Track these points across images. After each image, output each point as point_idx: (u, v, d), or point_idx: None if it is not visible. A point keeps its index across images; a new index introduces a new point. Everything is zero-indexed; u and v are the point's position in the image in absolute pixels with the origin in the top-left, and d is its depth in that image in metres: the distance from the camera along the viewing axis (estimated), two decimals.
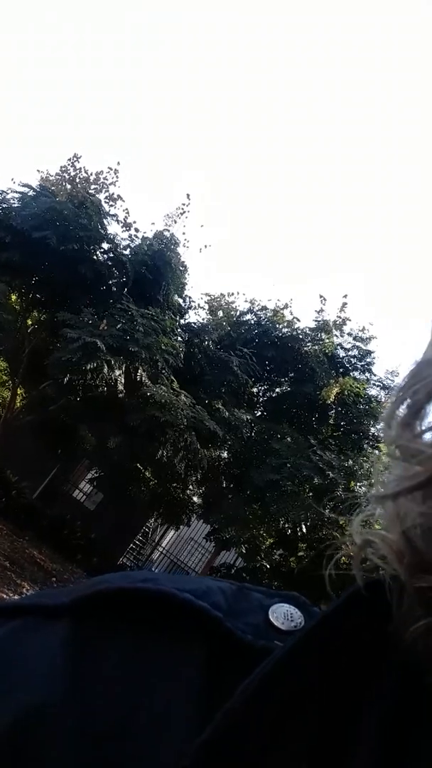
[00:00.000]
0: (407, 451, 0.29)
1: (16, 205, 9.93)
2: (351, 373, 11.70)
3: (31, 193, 10.13)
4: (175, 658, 0.30)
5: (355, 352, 12.17)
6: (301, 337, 12.13)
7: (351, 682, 0.27)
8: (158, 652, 0.30)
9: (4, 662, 0.30)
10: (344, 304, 12.49)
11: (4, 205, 9.99)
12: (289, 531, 9.58)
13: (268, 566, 10.45)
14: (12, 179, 17.75)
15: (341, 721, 0.27)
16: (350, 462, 9.45)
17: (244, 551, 10.80)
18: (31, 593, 0.42)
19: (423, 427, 0.29)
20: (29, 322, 10.64)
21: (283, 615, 0.32)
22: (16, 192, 10.24)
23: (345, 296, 13.68)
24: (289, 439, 10.26)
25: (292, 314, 12.60)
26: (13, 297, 10.27)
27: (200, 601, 0.31)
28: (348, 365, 11.96)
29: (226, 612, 0.31)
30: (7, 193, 10.54)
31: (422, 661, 0.26)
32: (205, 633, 0.31)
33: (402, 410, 0.30)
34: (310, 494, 8.92)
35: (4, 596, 7.13)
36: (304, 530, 9.19)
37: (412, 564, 0.28)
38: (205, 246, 17.82)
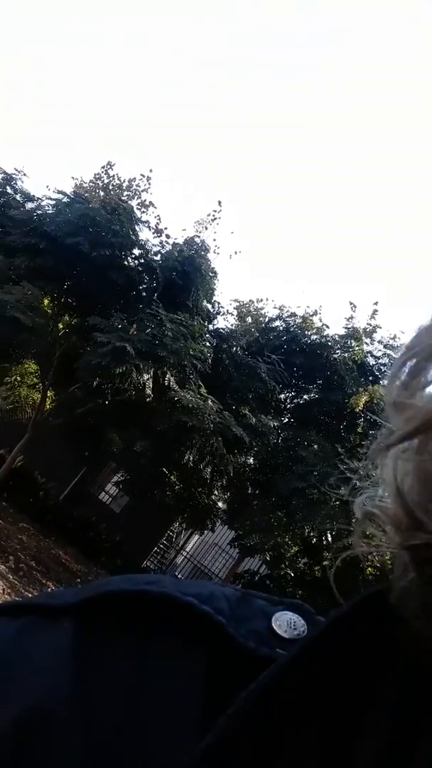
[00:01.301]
0: (401, 407, 0.29)
1: (50, 212, 10.14)
2: (381, 382, 11.55)
3: (65, 200, 10.33)
4: (177, 661, 0.30)
5: (385, 360, 12.00)
6: (330, 344, 12.02)
7: (354, 691, 0.27)
8: (161, 656, 0.30)
9: (7, 662, 0.30)
10: (375, 312, 12.36)
11: (38, 212, 10.21)
12: (315, 539, 9.48)
13: (292, 574, 10.35)
14: (47, 186, 18.25)
15: (345, 729, 0.26)
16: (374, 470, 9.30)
17: (268, 558, 10.73)
18: (36, 594, 0.43)
19: (420, 387, 0.29)
20: (60, 326, 10.82)
21: (287, 623, 0.32)
22: (51, 199, 10.46)
23: (376, 303, 13.57)
24: (316, 446, 10.17)
25: (321, 321, 12.52)
26: (46, 301, 10.46)
27: (204, 605, 0.31)
28: (378, 373, 11.80)
29: (229, 618, 0.31)
30: (42, 200, 10.79)
31: (426, 660, 0.26)
32: (207, 638, 0.30)
33: (403, 372, 0.30)
34: (337, 503, 8.81)
35: (30, 595, 7.23)
36: (330, 539, 9.08)
37: (408, 525, 0.28)
38: (236, 252, 17.92)
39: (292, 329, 12.44)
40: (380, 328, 12.26)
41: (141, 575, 0.35)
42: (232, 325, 12.66)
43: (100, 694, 0.29)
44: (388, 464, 0.30)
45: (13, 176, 11.51)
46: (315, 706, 0.27)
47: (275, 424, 10.67)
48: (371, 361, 12.03)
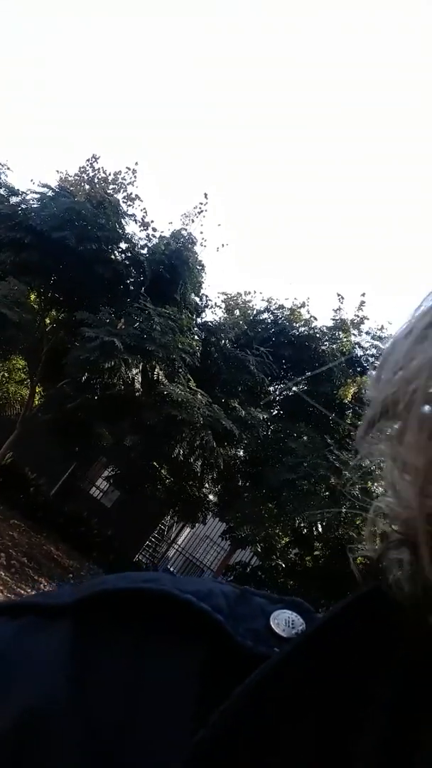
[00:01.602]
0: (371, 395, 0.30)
1: (35, 206, 10.04)
2: (369, 373, 11.61)
3: (50, 193, 10.23)
4: (175, 660, 0.30)
5: (373, 351, 12.08)
6: (318, 336, 12.07)
7: (351, 688, 0.27)
8: (158, 654, 0.30)
9: (6, 662, 0.30)
10: (362, 303, 12.41)
11: (23, 206, 10.10)
12: (305, 530, 9.56)
13: (283, 565, 10.44)
14: (31, 180, 18.04)
15: (341, 725, 0.26)
16: (368, 462, 9.38)
17: (259, 550, 10.80)
18: (33, 593, 0.43)
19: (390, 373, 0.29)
20: (47, 321, 10.75)
21: (285, 621, 0.32)
22: (36, 193, 10.36)
23: (363, 295, 13.60)
24: (305, 438, 10.22)
25: (309, 313, 12.55)
26: (32, 296, 10.38)
27: (202, 603, 0.31)
28: (366, 364, 11.88)
29: (227, 616, 0.31)
30: (27, 194, 10.67)
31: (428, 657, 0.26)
32: (205, 636, 0.30)
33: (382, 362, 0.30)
34: (327, 494, 8.88)
35: (22, 592, 7.23)
36: (320, 530, 9.16)
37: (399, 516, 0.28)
38: (223, 245, 17.87)
39: (280, 321, 12.46)
40: (368, 319, 12.32)
41: (138, 573, 0.35)
42: (220, 318, 12.65)
43: (99, 694, 0.29)
44: (385, 455, 0.30)
45: None
46: (310, 703, 0.27)
47: (264, 416, 10.71)
48: (359, 352, 12.10)
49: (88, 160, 13.55)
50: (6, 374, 13.00)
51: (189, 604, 0.31)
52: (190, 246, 10.46)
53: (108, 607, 0.32)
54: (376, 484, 0.33)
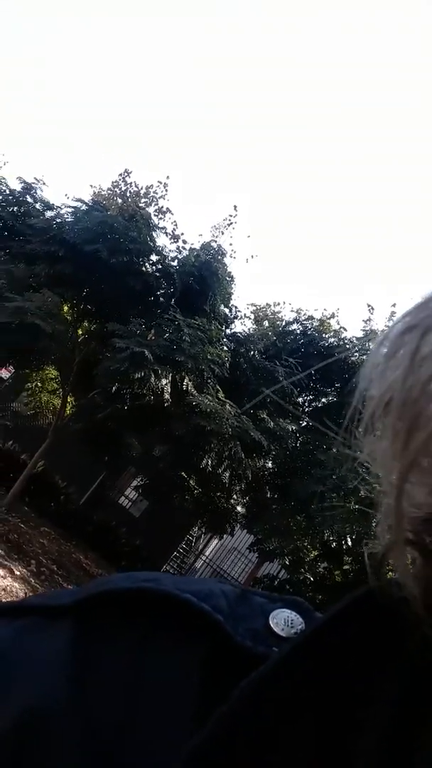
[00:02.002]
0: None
1: (69, 220, 10.28)
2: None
3: (83, 207, 10.45)
4: (175, 659, 0.30)
5: None
6: (347, 346, 11.96)
7: (351, 687, 0.27)
8: (158, 654, 0.30)
9: (7, 663, 0.30)
10: (393, 313, 12.24)
11: (58, 220, 10.35)
12: (334, 543, 9.42)
13: (312, 579, 10.29)
14: (66, 195, 18.47)
15: (341, 725, 0.26)
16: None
17: (287, 563, 10.68)
18: (35, 594, 0.44)
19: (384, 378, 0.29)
20: (80, 332, 10.94)
21: (284, 621, 0.32)
22: (70, 207, 10.60)
23: (393, 305, 13.44)
24: (334, 450, 10.10)
25: (338, 324, 12.47)
26: (65, 308, 10.59)
27: (202, 603, 0.31)
28: None
29: (227, 615, 0.31)
30: (61, 209, 10.94)
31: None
32: (205, 635, 0.30)
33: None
34: (356, 507, 8.74)
35: None
36: (350, 543, 9.01)
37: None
38: (252, 256, 17.96)
39: (309, 332, 12.40)
40: None
41: (140, 573, 0.35)
42: (249, 329, 12.67)
43: (99, 694, 0.29)
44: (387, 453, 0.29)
45: (33, 185, 11.69)
46: (309, 703, 0.26)
47: (293, 427, 10.63)
48: None
49: (120, 175, 13.86)
50: (39, 384, 13.27)
51: (189, 604, 0.31)
52: (219, 258, 10.53)
53: (109, 607, 0.32)
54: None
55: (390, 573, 0.29)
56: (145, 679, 0.29)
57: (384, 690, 0.27)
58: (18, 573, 7.42)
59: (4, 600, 6.31)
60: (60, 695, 0.28)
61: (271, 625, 0.31)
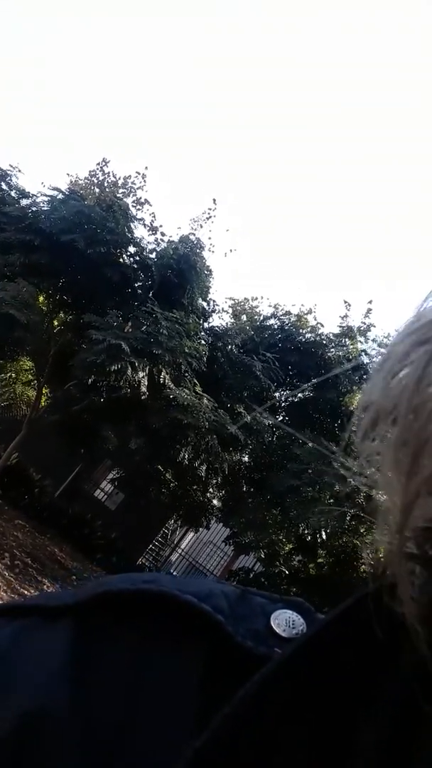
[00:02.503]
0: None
1: (45, 209, 10.11)
2: (369, 375, 11.57)
3: (60, 196, 10.30)
4: (175, 661, 0.30)
5: (379, 359, 12.04)
6: (324, 342, 12.06)
7: (352, 689, 0.27)
8: (159, 655, 0.30)
9: (7, 663, 0.30)
10: (369, 310, 12.39)
11: (33, 209, 10.18)
12: (309, 537, 9.52)
13: (286, 572, 10.40)
14: (42, 183, 18.20)
15: (341, 730, 0.26)
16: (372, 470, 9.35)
17: (263, 556, 10.77)
18: (34, 594, 0.43)
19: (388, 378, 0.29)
20: (55, 323, 10.81)
21: (285, 621, 0.32)
22: (46, 195, 10.43)
23: (370, 302, 13.64)
24: (310, 444, 10.21)
25: (315, 319, 12.55)
26: (41, 298, 10.44)
27: (203, 603, 0.31)
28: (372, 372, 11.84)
29: (228, 616, 0.31)
30: (37, 197, 10.76)
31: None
32: (206, 637, 0.30)
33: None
34: (331, 501, 8.85)
35: (26, 592, 7.24)
36: (324, 537, 9.12)
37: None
38: (231, 250, 17.94)
39: (286, 327, 12.46)
40: (375, 326, 12.31)
41: (139, 574, 0.35)
42: (227, 323, 12.66)
43: (99, 695, 0.29)
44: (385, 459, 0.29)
45: (8, 173, 11.45)
46: (312, 705, 0.27)
47: (270, 422, 10.70)
48: (366, 359, 12.07)
49: (98, 164, 13.63)
50: (13, 375, 13.06)
51: (189, 604, 0.31)
52: (198, 251, 10.49)
53: (109, 608, 0.32)
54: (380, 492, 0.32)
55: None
56: (145, 680, 0.29)
57: (385, 691, 0.27)
58: None
59: None
60: (60, 696, 0.28)
61: (273, 626, 0.31)
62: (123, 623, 0.31)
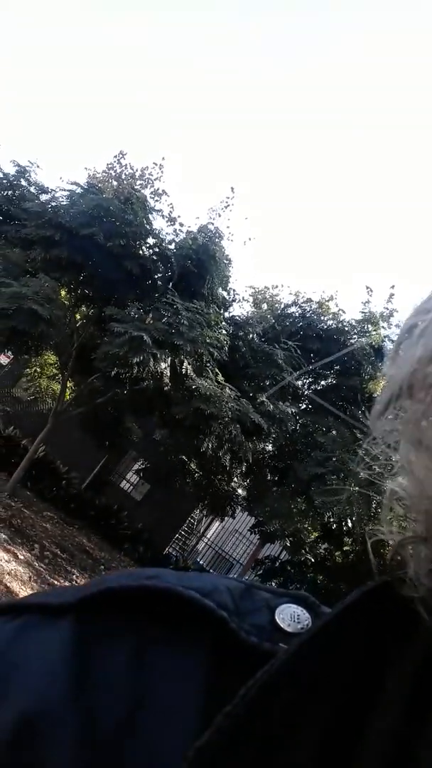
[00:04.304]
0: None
1: (64, 203, 10.16)
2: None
3: (78, 190, 10.33)
4: (179, 657, 0.30)
5: None
6: (346, 329, 11.93)
7: (359, 686, 0.27)
8: (162, 652, 0.30)
9: (7, 662, 0.30)
10: (391, 296, 12.22)
11: (53, 204, 10.24)
12: (335, 525, 9.50)
13: (312, 560, 10.40)
14: (60, 178, 18.30)
15: (348, 725, 0.26)
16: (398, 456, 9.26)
17: (288, 544, 10.79)
18: (35, 592, 0.43)
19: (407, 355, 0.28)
20: (78, 316, 10.90)
21: (290, 616, 0.31)
22: (65, 190, 10.48)
23: (392, 287, 13.42)
24: (334, 432, 10.14)
25: (337, 306, 12.42)
26: (63, 293, 10.54)
27: (206, 599, 0.31)
28: None
29: (232, 611, 0.31)
30: (56, 192, 10.82)
31: None
32: (209, 633, 0.30)
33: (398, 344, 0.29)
34: (356, 489, 8.80)
35: (56, 582, 7.39)
36: (350, 525, 9.09)
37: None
38: (250, 239, 17.82)
39: (308, 315, 12.36)
40: (397, 312, 12.12)
41: (141, 570, 0.34)
42: (247, 312, 12.62)
43: (100, 694, 0.28)
44: (403, 437, 0.28)
45: (27, 168, 11.54)
46: (317, 702, 0.26)
47: (293, 410, 10.65)
48: (389, 345, 11.90)
49: (115, 156, 13.67)
50: (38, 369, 13.26)
51: (193, 600, 0.31)
52: (217, 240, 10.43)
53: (111, 605, 0.32)
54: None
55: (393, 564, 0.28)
56: (148, 678, 0.29)
57: (393, 687, 0.26)
58: (22, 557, 7.49)
59: (9, 583, 6.37)
60: (60, 695, 0.28)
61: (277, 621, 0.31)
62: (125, 620, 0.31)
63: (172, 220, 11.18)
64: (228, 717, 0.26)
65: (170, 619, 0.31)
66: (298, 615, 0.32)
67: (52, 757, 0.27)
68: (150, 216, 10.29)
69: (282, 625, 0.31)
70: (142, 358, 8.37)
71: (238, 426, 9.15)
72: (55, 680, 0.29)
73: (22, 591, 6.20)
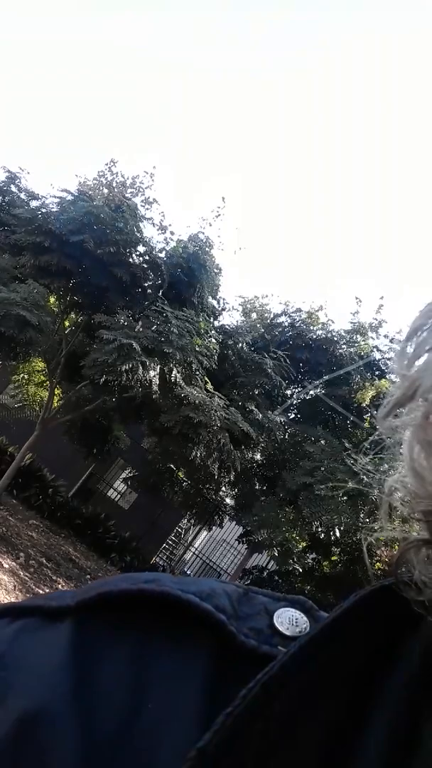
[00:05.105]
0: (400, 378, 0.30)
1: (54, 210, 10.15)
2: (387, 376, 11.52)
3: (69, 197, 10.33)
4: (178, 660, 0.30)
5: (391, 354, 11.97)
6: (335, 339, 12.00)
7: (357, 688, 0.27)
8: (161, 655, 0.30)
9: (6, 665, 0.30)
10: (380, 306, 12.31)
11: (43, 210, 10.23)
12: (323, 535, 9.48)
13: (300, 570, 10.37)
14: (51, 184, 18.26)
15: (347, 727, 0.26)
16: (386, 466, 9.30)
17: (276, 554, 10.76)
18: (34, 596, 0.43)
19: (415, 358, 0.29)
20: (66, 323, 10.86)
21: (288, 620, 0.32)
22: (55, 197, 10.47)
23: (381, 298, 13.55)
24: (323, 442, 10.16)
25: (326, 316, 12.49)
26: (52, 299, 10.50)
27: (204, 603, 0.31)
28: (384, 368, 11.78)
29: (230, 615, 0.31)
30: (46, 198, 10.81)
31: None
32: (208, 636, 0.30)
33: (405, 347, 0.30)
34: (344, 498, 8.81)
35: (41, 591, 7.29)
36: (338, 534, 9.08)
37: (423, 495, 0.27)
38: (240, 248, 17.90)
39: (297, 325, 12.42)
40: (386, 322, 12.24)
41: (140, 574, 0.34)
42: (237, 321, 12.65)
43: (100, 696, 0.28)
44: (405, 437, 0.29)
45: (17, 174, 11.54)
46: (316, 704, 0.26)
47: (282, 419, 10.66)
48: (377, 355, 11.99)
49: (106, 164, 13.66)
50: (26, 376, 13.16)
51: (191, 604, 0.31)
52: (207, 249, 10.47)
53: (110, 608, 0.32)
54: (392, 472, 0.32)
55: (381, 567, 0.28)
56: (147, 681, 0.29)
57: (391, 687, 0.26)
58: (7, 566, 7.38)
59: None
60: (59, 698, 0.28)
61: (276, 624, 0.31)
62: (124, 624, 0.31)
63: (162, 229, 11.20)
64: (228, 718, 0.26)
65: (169, 622, 0.31)
66: (296, 619, 0.32)
67: (52, 758, 0.27)
68: (140, 224, 10.30)
69: (281, 629, 0.31)
70: (131, 365, 8.34)
71: (226, 435, 9.14)
72: (55, 682, 0.29)
73: (7, 600, 6.10)
